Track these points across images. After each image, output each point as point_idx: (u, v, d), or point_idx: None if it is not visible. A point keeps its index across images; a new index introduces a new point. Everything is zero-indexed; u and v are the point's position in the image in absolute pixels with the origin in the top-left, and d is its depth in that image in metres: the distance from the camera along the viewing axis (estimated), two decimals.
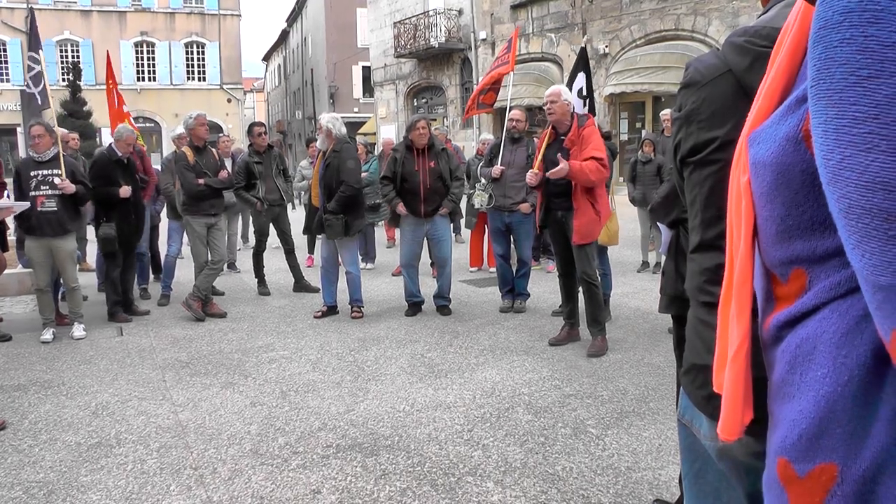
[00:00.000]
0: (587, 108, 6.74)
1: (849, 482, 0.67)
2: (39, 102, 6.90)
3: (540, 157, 5.18)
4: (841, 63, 0.58)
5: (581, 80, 6.94)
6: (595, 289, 5.13)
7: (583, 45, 7.38)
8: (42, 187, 5.66)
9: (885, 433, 0.65)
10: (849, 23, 0.57)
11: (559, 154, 4.95)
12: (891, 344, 0.60)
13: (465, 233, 9.20)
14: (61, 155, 5.78)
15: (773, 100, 0.77)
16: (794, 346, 0.74)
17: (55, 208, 5.69)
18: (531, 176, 5.17)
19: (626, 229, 9.27)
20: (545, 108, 5.14)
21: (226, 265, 7.82)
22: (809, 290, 0.73)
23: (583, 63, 7.10)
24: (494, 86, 7.68)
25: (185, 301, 6.50)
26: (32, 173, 5.66)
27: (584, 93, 6.84)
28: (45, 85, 6.78)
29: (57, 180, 5.67)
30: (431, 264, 7.54)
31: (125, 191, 6.26)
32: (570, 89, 6.38)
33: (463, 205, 7.43)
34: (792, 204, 0.73)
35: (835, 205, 0.60)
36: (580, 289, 5.28)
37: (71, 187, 5.68)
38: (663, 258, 3.02)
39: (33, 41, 6.73)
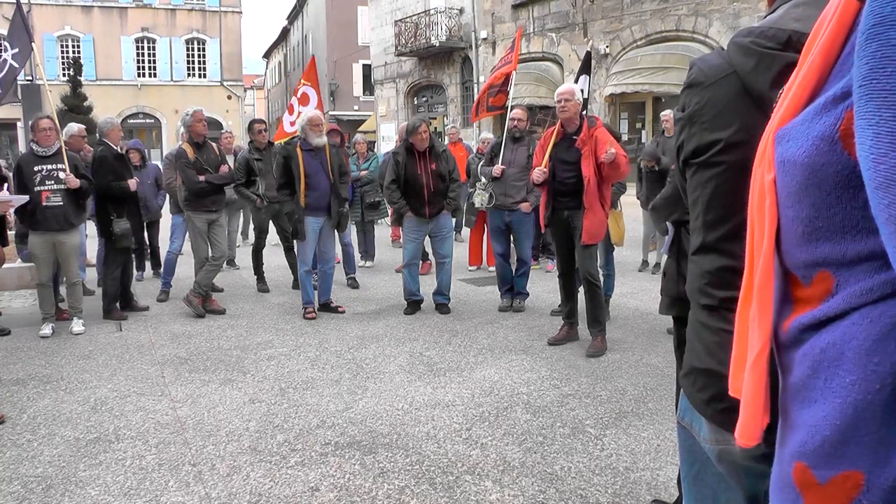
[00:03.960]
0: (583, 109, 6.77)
1: (875, 490, 0.65)
2: (0, 90, 6.50)
3: (548, 155, 5.18)
4: None
5: (583, 82, 6.96)
6: (597, 289, 5.14)
7: (588, 50, 7.40)
8: (47, 182, 5.66)
9: None
10: None
11: (573, 148, 5.03)
12: None
13: (466, 231, 9.20)
14: (64, 149, 5.78)
15: (803, 97, 0.74)
16: (818, 350, 0.72)
17: (60, 202, 5.69)
18: (539, 174, 5.15)
19: (627, 229, 9.28)
20: (559, 105, 5.11)
21: (225, 262, 7.82)
22: (836, 294, 0.70)
23: (587, 67, 7.14)
24: (503, 87, 7.66)
25: (186, 297, 6.50)
26: (36, 168, 5.66)
27: (585, 94, 6.86)
28: (7, 73, 6.44)
29: (62, 175, 5.67)
30: (423, 261, 7.60)
31: (133, 183, 6.29)
32: None
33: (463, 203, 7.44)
34: (822, 205, 0.70)
35: (883, 210, 0.57)
36: (580, 288, 5.29)
37: (76, 182, 5.69)
38: (664, 259, 3.02)
39: (17, 32, 6.49)
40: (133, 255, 6.94)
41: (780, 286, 0.80)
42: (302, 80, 8.81)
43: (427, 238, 6.52)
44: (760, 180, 0.80)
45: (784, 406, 0.79)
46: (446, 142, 9.97)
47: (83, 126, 7.31)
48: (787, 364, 0.78)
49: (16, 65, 6.42)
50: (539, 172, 5.15)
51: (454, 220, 9.27)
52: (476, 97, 8.32)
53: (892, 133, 0.55)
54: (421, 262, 7.52)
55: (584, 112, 6.17)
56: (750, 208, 0.85)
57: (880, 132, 0.56)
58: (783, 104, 0.77)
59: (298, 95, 8.67)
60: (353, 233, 8.41)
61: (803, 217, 0.73)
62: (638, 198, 8.04)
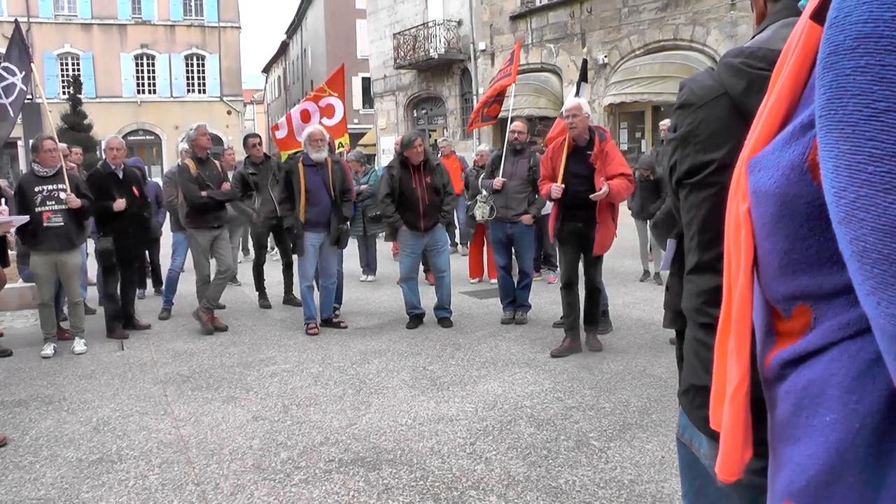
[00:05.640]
0: None
1: None
2: (12, 114, 6.39)
3: (562, 170, 5.21)
4: (854, 94, 0.53)
5: (583, 89, 7.05)
6: (599, 294, 5.44)
7: (584, 58, 7.48)
8: (48, 202, 5.65)
9: None
10: (863, 49, 0.52)
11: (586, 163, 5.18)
12: None
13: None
14: (64, 169, 5.79)
15: (774, 124, 0.72)
16: (800, 387, 0.69)
17: (62, 223, 5.69)
18: (557, 191, 5.19)
19: (627, 239, 9.28)
20: (567, 122, 5.16)
21: None
22: (815, 328, 0.68)
23: (585, 75, 7.22)
24: (498, 97, 7.72)
25: (196, 312, 6.48)
26: (37, 189, 5.65)
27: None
28: (17, 97, 6.48)
29: (62, 195, 5.68)
30: (426, 271, 7.56)
31: (119, 204, 6.17)
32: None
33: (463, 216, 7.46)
34: (796, 237, 0.68)
35: (847, 246, 0.55)
36: (582, 298, 5.38)
37: (77, 201, 5.69)
38: (664, 272, 3.02)
39: (17, 53, 6.51)
40: (135, 275, 6.94)
41: (763, 318, 0.78)
42: (328, 90, 8.03)
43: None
44: (735, 211, 0.78)
45: (772, 441, 0.77)
46: (439, 155, 9.89)
47: (64, 145, 7.32)
48: (772, 399, 0.76)
49: (24, 87, 6.45)
50: (557, 189, 5.18)
51: (458, 232, 9.29)
52: (475, 109, 8.39)
53: (851, 167, 0.53)
54: (425, 272, 7.55)
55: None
56: (726, 239, 0.82)
57: (839, 165, 0.54)
58: (755, 131, 0.75)
59: (321, 104, 7.95)
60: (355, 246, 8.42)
61: (779, 249, 0.71)
62: (629, 207, 8.05)
